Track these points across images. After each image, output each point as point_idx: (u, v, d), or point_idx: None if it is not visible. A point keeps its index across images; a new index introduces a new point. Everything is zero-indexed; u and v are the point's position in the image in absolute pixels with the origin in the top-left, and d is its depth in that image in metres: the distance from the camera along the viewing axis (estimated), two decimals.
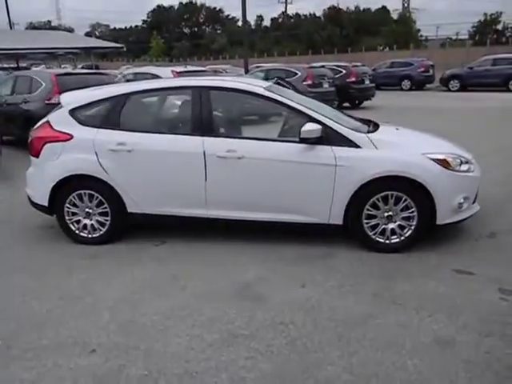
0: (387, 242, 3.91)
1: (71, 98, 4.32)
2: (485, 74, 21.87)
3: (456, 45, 42.96)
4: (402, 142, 4.04)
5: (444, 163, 3.80)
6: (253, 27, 60.46)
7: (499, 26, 41.72)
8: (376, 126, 4.27)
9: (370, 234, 3.91)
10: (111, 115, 4.12)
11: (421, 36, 44.34)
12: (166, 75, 10.19)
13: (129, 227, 4.37)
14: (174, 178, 4.02)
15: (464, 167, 3.91)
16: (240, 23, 64.01)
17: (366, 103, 16.57)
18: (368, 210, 3.85)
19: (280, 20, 56.81)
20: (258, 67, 18.54)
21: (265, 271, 3.64)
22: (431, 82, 24.81)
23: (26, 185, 4.49)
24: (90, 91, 4.37)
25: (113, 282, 3.52)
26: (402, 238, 3.89)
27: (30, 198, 4.43)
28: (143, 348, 2.69)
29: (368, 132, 4.01)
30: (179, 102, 4.32)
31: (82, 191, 4.16)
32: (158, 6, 67.01)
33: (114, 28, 69.81)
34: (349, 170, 3.76)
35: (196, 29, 64.44)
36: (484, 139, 8.65)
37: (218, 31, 62.56)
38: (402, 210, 3.83)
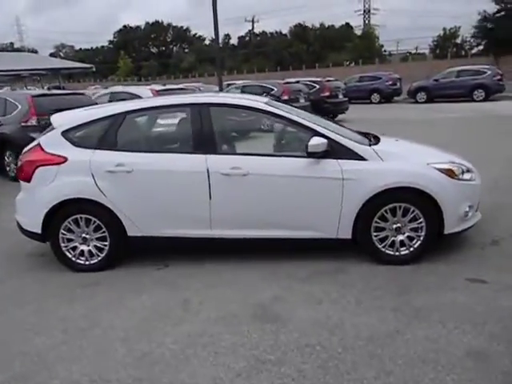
0: (397, 254, 3.88)
1: (63, 119, 4.14)
2: (450, 86, 22.72)
3: (417, 58, 44.60)
4: (405, 153, 4.05)
5: (449, 172, 3.82)
6: (221, 45, 60.97)
7: (458, 40, 43.73)
8: (377, 139, 4.27)
9: (380, 246, 3.87)
10: (107, 135, 3.95)
11: (384, 51, 45.88)
12: (145, 94, 10.04)
13: (128, 252, 4.17)
14: (176, 198, 3.87)
15: (467, 176, 3.95)
16: (207, 42, 64.59)
17: (340, 117, 16.83)
18: (376, 222, 3.82)
19: (247, 38, 57.62)
20: (229, 84, 18.56)
21: (278, 290, 3.53)
22: (399, 94, 25.58)
23: (15, 211, 4.24)
24: (82, 111, 4.20)
25: (120, 311, 3.32)
26: (411, 249, 3.86)
27: (20, 226, 4.18)
28: (167, 381, 2.52)
29: (371, 144, 4.00)
30: (178, 120, 4.20)
31: (79, 216, 3.95)
32: (125, 26, 66.79)
33: (80, 49, 68.91)
34: (356, 183, 3.72)
35: (163, 48, 64.42)
36: (466, 147, 8.86)
37: (186, 50, 62.70)
38: (410, 221, 3.81)
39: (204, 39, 64.91)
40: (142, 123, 4.27)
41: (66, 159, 3.90)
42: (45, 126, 7.85)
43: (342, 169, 3.74)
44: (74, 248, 4.03)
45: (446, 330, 2.86)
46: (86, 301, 3.51)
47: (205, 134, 3.86)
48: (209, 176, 3.77)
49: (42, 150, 4.00)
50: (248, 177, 3.76)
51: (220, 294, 3.50)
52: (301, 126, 3.87)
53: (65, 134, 3.99)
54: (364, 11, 54.99)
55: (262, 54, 52.25)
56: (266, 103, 3.99)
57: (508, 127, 11.57)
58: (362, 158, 3.78)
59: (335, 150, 3.75)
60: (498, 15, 36.33)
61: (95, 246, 4.01)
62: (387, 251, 3.87)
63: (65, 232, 3.99)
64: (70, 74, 41.42)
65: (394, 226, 3.82)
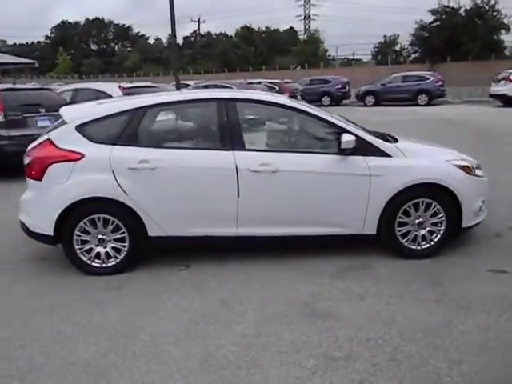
0: (418, 248, 3.99)
1: (76, 113, 3.85)
2: (396, 90, 23.90)
3: (359, 64, 46.48)
4: (424, 151, 4.20)
5: (466, 169, 4.00)
6: (165, 45, 59.89)
7: (397, 47, 46.17)
8: (392, 137, 4.38)
9: (402, 241, 3.97)
10: (128, 130, 3.73)
11: (329, 56, 47.34)
12: (115, 92, 9.60)
13: (146, 253, 3.96)
14: (202, 196, 3.73)
15: (479, 172, 4.16)
16: (151, 41, 63.15)
17: None
18: (400, 217, 3.91)
19: (192, 39, 57.00)
20: (187, 85, 18.25)
21: (314, 287, 3.50)
22: (348, 97, 26.51)
23: (19, 212, 3.89)
24: (96, 105, 3.93)
25: (158, 315, 3.14)
26: (432, 243, 3.99)
27: (26, 228, 3.83)
28: None
29: (391, 142, 4.10)
30: (203, 115, 4.05)
31: (96, 216, 3.69)
32: (63, 22, 63.41)
33: (14, 43, 64.53)
34: (383, 179, 3.80)
35: (105, 46, 62.05)
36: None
37: (129, 48, 60.81)
38: (431, 216, 3.95)
39: (147, 38, 63.43)
40: (164, 118, 4.07)
41: (82, 155, 3.63)
42: (12, 122, 7.33)
43: (368, 165, 3.79)
44: (90, 250, 3.76)
45: (492, 319, 2.98)
46: (115, 305, 3.29)
47: (232, 129, 3.76)
48: (237, 173, 3.67)
49: (55, 145, 3.69)
50: (277, 174, 3.71)
51: (257, 294, 3.42)
52: (328, 123, 3.88)
53: (80, 128, 3.71)
54: (304, 17, 56.58)
55: (208, 55, 51.94)
56: (290, 99, 3.97)
57: (461, 130, 12.34)
58: (386, 155, 3.86)
59: (362, 147, 3.80)
60: (433, 25, 38.76)
61: (113, 248, 3.77)
62: (410, 246, 3.98)
63: (80, 233, 3.71)
64: (4, 70, 38.74)
65: (417, 221, 3.94)
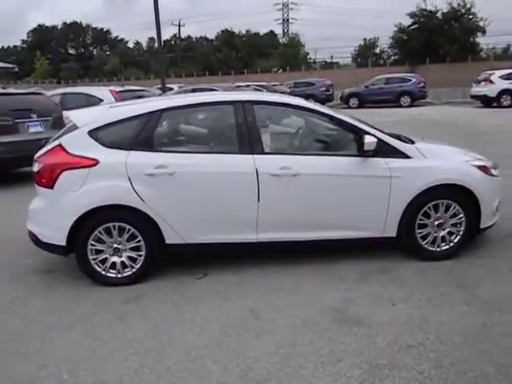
0: (438, 249, 3.95)
1: (88, 117, 3.69)
2: (379, 92, 24.20)
3: (338, 67, 46.92)
4: (442, 151, 4.17)
5: (484, 169, 3.99)
6: (145, 49, 59.46)
7: (377, 50, 46.83)
8: (407, 138, 4.34)
9: (422, 243, 3.93)
10: (144, 135, 3.59)
11: (310, 59, 47.66)
12: (106, 96, 9.40)
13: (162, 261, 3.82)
14: (222, 201, 3.62)
15: (495, 172, 4.15)
16: (131, 45, 62.44)
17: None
18: (420, 219, 3.87)
19: (173, 42, 56.59)
20: (170, 88, 18.02)
21: (340, 293, 3.42)
22: (331, 100, 26.67)
23: (28, 222, 3.70)
24: (107, 109, 3.78)
25: (186, 327, 3.01)
26: (452, 244, 3.96)
27: (36, 238, 3.64)
28: None
29: (408, 143, 4.06)
30: (220, 118, 3.93)
31: (111, 224, 3.54)
32: (40, 26, 62.04)
33: None
34: (403, 181, 3.75)
35: (83, 50, 61.01)
36: None
37: (108, 52, 59.95)
38: (451, 217, 3.92)
39: (127, 42, 62.69)
40: (181, 121, 3.94)
41: (97, 162, 3.47)
42: (2, 128, 7.05)
43: (389, 167, 3.74)
44: (104, 260, 3.60)
45: None
46: (137, 318, 3.14)
47: (250, 132, 3.65)
48: (258, 177, 3.57)
49: (66, 151, 3.53)
50: (298, 177, 3.62)
51: (283, 301, 3.32)
52: (347, 125, 3.81)
53: (92, 133, 3.55)
54: (283, 20, 56.91)
55: (188, 58, 51.63)
56: (305, 101, 3.89)
57: (446, 130, 12.49)
58: (406, 156, 3.82)
59: (382, 149, 3.74)
60: (412, 28, 39.39)
61: (128, 257, 3.62)
62: (429, 247, 3.94)
63: (94, 243, 3.55)
64: None
65: (436, 223, 3.91)
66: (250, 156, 3.60)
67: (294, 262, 3.94)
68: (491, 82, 21.14)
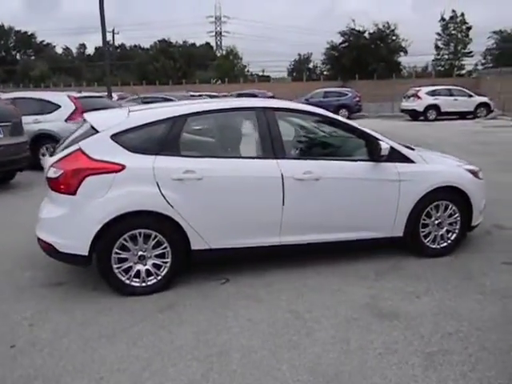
0: (438, 247, 4.29)
1: (108, 121, 3.56)
2: (318, 105, 24.67)
3: (275, 80, 48.22)
4: (439, 157, 4.53)
5: (473, 173, 4.41)
6: (75, 55, 56.79)
7: (311, 65, 48.77)
8: (407, 145, 4.63)
9: (425, 241, 4.24)
10: (170, 139, 3.54)
11: (247, 71, 48.48)
12: (64, 102, 8.97)
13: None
14: (248, 206, 3.66)
15: (481, 175, 4.59)
16: (59, 50, 59.34)
17: None
18: (423, 219, 4.18)
19: (106, 49, 54.51)
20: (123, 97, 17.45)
21: (364, 290, 3.58)
22: None
23: (43, 231, 3.47)
24: (130, 112, 3.66)
25: (234, 330, 3.00)
26: (449, 241, 4.32)
27: (52, 248, 3.42)
28: None
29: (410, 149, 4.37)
30: (244, 124, 3.96)
31: (137, 231, 3.43)
32: None
33: None
34: (410, 184, 4.03)
35: (5, 53, 56.91)
36: None
37: (33, 57, 56.47)
38: (448, 217, 4.27)
39: (54, 47, 59.52)
40: (205, 126, 3.91)
41: (123, 167, 3.36)
42: None
43: (398, 171, 4.02)
44: (128, 269, 3.48)
45: None
46: (180, 325, 3.07)
47: (273, 137, 3.74)
48: (283, 181, 3.67)
49: (88, 156, 3.37)
50: (320, 181, 3.77)
51: (315, 301, 3.41)
52: (359, 132, 4.03)
53: (116, 137, 3.44)
54: (216, 33, 57.52)
55: (123, 66, 50.23)
56: (321, 110, 4.07)
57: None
58: (411, 161, 4.12)
59: (391, 154, 4.01)
60: (342, 45, 41.60)
61: (154, 265, 3.53)
62: (431, 245, 4.26)
63: (119, 251, 3.42)
64: None
65: (436, 222, 4.24)
66: (275, 161, 3.69)
67: (310, 263, 4.05)
68: (419, 97, 22.99)
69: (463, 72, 42.76)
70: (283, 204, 3.70)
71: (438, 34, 45.78)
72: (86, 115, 3.83)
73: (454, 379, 2.47)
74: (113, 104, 10.07)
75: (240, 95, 26.81)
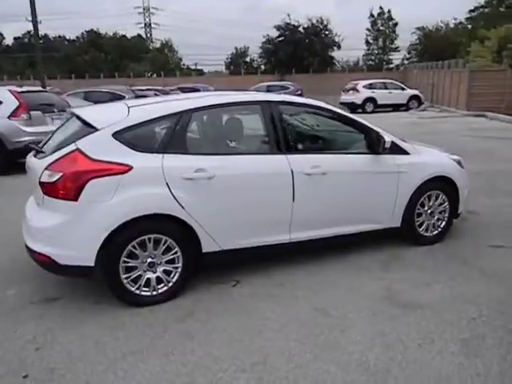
0: (430, 235, 4.43)
1: (108, 118, 3.24)
2: None
3: (212, 74, 47.83)
4: (428, 148, 4.66)
5: (459, 163, 4.60)
6: None
7: (248, 59, 48.77)
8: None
9: (419, 230, 4.36)
10: (176, 136, 3.30)
11: (183, 64, 47.47)
12: (3, 96, 8.18)
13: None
14: (259, 203, 3.53)
15: (463, 164, 4.80)
16: None
17: None
18: (418, 209, 4.30)
19: (26, 40, 50.78)
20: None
21: (376, 282, 3.61)
22: None
23: (40, 243, 3.10)
24: (129, 107, 3.35)
25: (267, 334, 2.87)
26: (440, 229, 4.48)
27: (51, 261, 3.06)
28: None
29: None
30: (250, 118, 3.78)
31: (147, 236, 3.18)
32: None
33: None
34: (407, 175, 4.11)
35: None
36: None
37: None
38: (438, 206, 4.43)
39: None
40: (211, 122, 3.68)
41: (130, 167, 3.09)
42: None
43: (396, 163, 4.08)
44: (137, 278, 3.22)
45: None
46: (206, 333, 2.89)
47: (280, 132, 3.63)
48: (293, 177, 3.58)
49: (88, 157, 3.05)
50: (327, 175, 3.72)
51: (334, 296, 3.38)
52: (362, 125, 4.02)
53: (118, 135, 3.15)
54: (145, 25, 55.68)
55: (48, 59, 47.06)
56: (328, 104, 4.04)
57: None
58: (406, 153, 4.20)
59: (390, 147, 4.05)
60: (279, 40, 42.09)
61: (164, 271, 3.30)
62: (424, 234, 4.40)
63: (127, 259, 3.15)
64: None
65: (429, 211, 4.38)
66: (284, 156, 3.59)
67: (312, 259, 4.01)
68: (357, 90, 23.90)
69: (392, 66, 45.03)
70: (293, 200, 3.61)
71: (368, 29, 47.82)
72: (75, 110, 3.48)
73: (497, 363, 2.55)
74: (60, 99, 9.34)
75: (181, 89, 26.27)
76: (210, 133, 3.81)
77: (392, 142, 4.05)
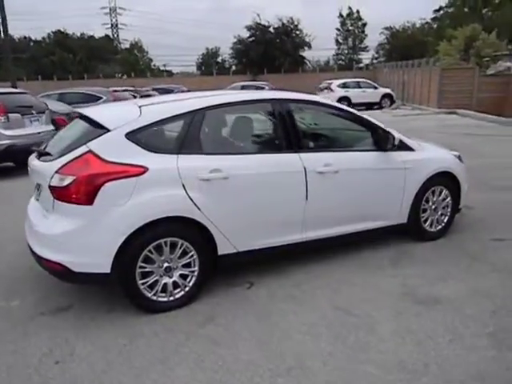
0: (435, 230, 4.47)
1: (119, 118, 3.10)
2: None
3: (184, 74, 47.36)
4: (430, 145, 4.70)
5: (458, 158, 4.67)
6: None
7: (219, 59, 48.51)
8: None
9: (424, 226, 4.40)
10: (190, 136, 3.19)
11: (154, 65, 46.73)
12: None
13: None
14: (274, 203, 3.46)
15: (462, 159, 4.88)
16: None
17: None
18: (423, 204, 4.34)
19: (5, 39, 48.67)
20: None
21: (390, 279, 3.60)
22: None
23: (50, 251, 2.93)
24: (140, 107, 3.22)
25: (297, 337, 2.80)
26: (443, 224, 4.53)
27: (65, 269, 2.90)
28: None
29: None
30: (261, 117, 3.70)
31: (163, 240, 3.06)
32: None
33: None
34: (413, 171, 4.14)
35: None
36: None
37: None
38: (442, 201, 4.48)
39: None
40: (224, 121, 3.57)
41: (146, 169, 2.96)
42: None
43: (403, 159, 4.10)
44: (154, 283, 3.10)
45: None
46: (232, 338, 2.80)
47: (291, 130, 3.57)
48: (306, 175, 3.53)
49: (101, 159, 2.91)
50: (338, 173, 3.70)
51: (354, 296, 3.33)
52: (369, 123, 4.01)
53: (131, 136, 3.01)
54: (112, 25, 54.58)
55: (15, 60, 45.45)
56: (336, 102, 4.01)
57: None
58: (411, 149, 4.23)
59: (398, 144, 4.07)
60: (250, 40, 42.08)
61: (180, 275, 3.19)
62: (429, 229, 4.44)
63: (143, 264, 3.03)
64: None
65: (433, 207, 4.42)
66: (297, 154, 3.54)
67: (322, 258, 3.98)
68: (332, 90, 24.20)
69: (361, 65, 45.80)
70: (307, 198, 3.57)
71: (338, 29, 48.44)
72: (84, 111, 3.33)
73: None
74: (38, 101, 8.99)
75: (156, 90, 25.83)
76: (223, 132, 3.71)
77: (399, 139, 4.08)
